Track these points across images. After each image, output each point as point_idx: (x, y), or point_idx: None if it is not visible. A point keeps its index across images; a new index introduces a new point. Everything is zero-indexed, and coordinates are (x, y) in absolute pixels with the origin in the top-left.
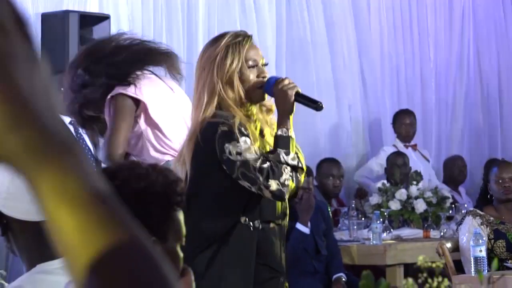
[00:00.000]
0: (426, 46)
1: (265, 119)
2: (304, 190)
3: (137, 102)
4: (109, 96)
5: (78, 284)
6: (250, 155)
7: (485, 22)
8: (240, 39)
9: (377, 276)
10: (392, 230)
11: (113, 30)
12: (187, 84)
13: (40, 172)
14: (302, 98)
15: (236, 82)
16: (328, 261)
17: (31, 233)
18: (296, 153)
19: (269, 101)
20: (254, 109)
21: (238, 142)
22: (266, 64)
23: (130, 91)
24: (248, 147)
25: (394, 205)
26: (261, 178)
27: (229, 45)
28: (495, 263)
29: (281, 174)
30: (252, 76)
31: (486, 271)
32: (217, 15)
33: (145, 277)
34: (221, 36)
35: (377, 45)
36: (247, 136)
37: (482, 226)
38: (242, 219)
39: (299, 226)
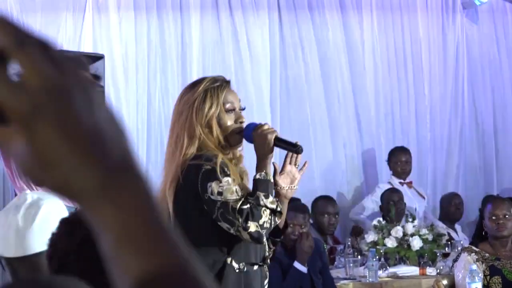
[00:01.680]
0: (420, 83)
1: (238, 169)
2: (303, 230)
3: None
4: None
5: None
6: (231, 196)
7: (479, 58)
8: (218, 84)
9: None
10: (388, 267)
11: (108, 70)
12: None
13: (101, 209)
14: (281, 142)
15: (215, 126)
16: None
17: None
18: (276, 197)
19: (239, 151)
20: (234, 152)
21: (220, 181)
22: (243, 109)
23: None
24: (229, 188)
25: (390, 243)
26: (240, 220)
27: (207, 89)
28: None
29: (260, 217)
30: (229, 122)
31: None
32: (211, 54)
33: None
34: (199, 81)
35: (371, 83)
36: (229, 176)
37: (478, 263)
38: (228, 260)
39: (297, 265)
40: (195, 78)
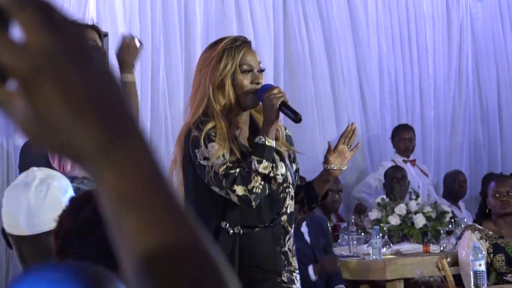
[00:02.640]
0: (424, 61)
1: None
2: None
3: None
4: None
5: (131, 272)
6: (217, 161)
7: (483, 36)
8: (238, 44)
9: None
10: (391, 245)
11: (111, 47)
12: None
13: (105, 172)
14: (286, 108)
15: (228, 86)
16: (328, 277)
17: None
18: (274, 162)
19: (280, 127)
20: (244, 115)
21: (206, 147)
22: (262, 70)
23: None
24: (214, 153)
25: (394, 220)
26: (224, 183)
27: (225, 49)
28: (493, 277)
29: (250, 181)
30: (245, 81)
31: (486, 285)
32: (215, 31)
33: (205, 281)
34: (220, 40)
35: (375, 60)
36: (214, 141)
37: (481, 241)
38: (223, 224)
39: (310, 270)
40: (198, 55)
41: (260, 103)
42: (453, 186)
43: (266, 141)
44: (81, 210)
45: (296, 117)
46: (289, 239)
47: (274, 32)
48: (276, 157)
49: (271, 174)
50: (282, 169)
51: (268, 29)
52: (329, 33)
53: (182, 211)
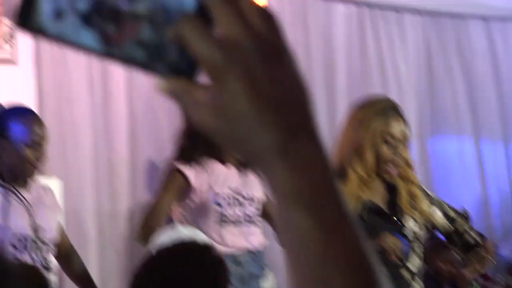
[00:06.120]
0: None
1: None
2: None
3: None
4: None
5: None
6: None
7: None
8: (387, 110)
9: None
10: None
11: None
12: None
13: (278, 170)
14: None
15: (369, 152)
16: None
17: None
18: None
19: None
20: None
21: None
22: (404, 140)
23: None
24: None
25: None
26: None
27: (375, 112)
28: None
29: None
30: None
31: None
32: (358, 84)
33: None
34: (371, 101)
35: None
36: None
37: None
38: None
39: None
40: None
41: None
42: None
43: None
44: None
45: None
46: None
47: (417, 86)
48: None
49: None
50: None
51: (411, 83)
52: (472, 87)
53: (351, 217)
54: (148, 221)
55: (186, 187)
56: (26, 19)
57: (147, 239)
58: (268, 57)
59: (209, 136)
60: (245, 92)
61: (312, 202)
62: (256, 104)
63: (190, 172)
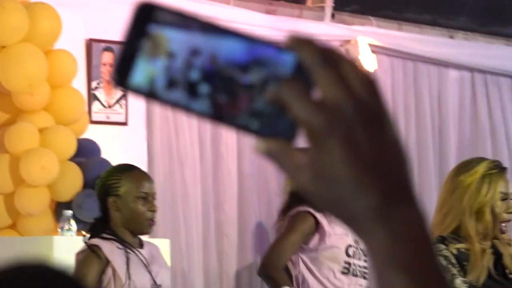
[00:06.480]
0: None
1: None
2: None
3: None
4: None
5: None
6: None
7: None
8: (496, 171)
9: None
10: None
11: None
12: None
13: (376, 233)
14: None
15: (487, 213)
16: None
17: None
18: None
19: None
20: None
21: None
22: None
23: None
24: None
25: None
26: None
27: (484, 175)
28: None
29: None
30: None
31: None
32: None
33: None
34: (476, 164)
35: None
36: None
37: None
38: None
39: None
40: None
41: None
42: None
43: None
44: None
45: None
46: None
47: None
48: None
49: None
50: None
51: None
52: None
53: (447, 285)
54: (273, 259)
55: (313, 231)
56: (122, 78)
57: (269, 275)
58: (368, 122)
59: (308, 198)
60: (345, 156)
61: (413, 268)
62: (355, 168)
63: (321, 217)
